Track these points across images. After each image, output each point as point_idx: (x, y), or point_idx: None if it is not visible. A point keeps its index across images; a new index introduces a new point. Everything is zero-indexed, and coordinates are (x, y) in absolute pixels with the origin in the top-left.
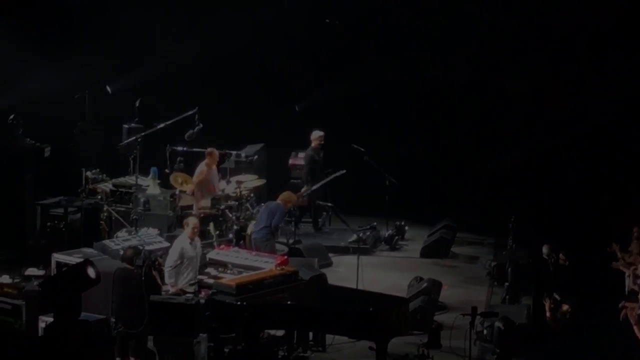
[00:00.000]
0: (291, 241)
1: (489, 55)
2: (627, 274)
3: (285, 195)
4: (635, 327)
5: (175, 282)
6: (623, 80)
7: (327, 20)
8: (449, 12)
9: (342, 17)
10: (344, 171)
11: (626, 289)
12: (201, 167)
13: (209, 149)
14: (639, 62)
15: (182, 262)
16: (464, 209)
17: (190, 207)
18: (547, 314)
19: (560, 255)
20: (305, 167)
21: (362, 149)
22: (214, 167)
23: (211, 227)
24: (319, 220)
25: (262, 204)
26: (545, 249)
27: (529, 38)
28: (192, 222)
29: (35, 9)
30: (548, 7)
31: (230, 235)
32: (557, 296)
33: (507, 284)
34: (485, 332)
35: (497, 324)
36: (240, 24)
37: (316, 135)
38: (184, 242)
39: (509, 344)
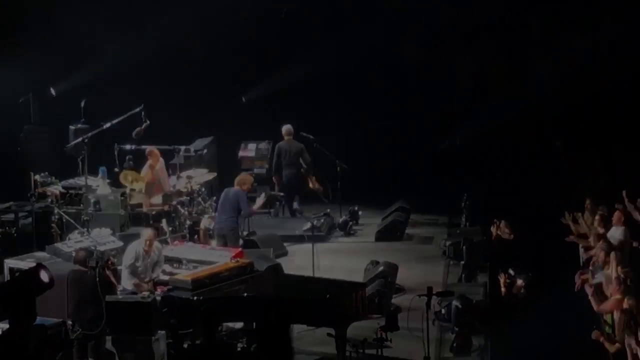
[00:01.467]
0: (245, 233)
1: (437, 36)
2: (580, 246)
3: (240, 178)
4: (591, 298)
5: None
6: (568, 58)
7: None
8: None
9: (286, 3)
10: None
11: (581, 261)
12: (145, 170)
13: (148, 149)
14: (585, 40)
15: (137, 265)
16: (416, 190)
17: (141, 205)
18: (502, 290)
19: (505, 228)
20: (305, 157)
21: (312, 137)
22: (160, 165)
23: (164, 223)
24: (273, 210)
25: (215, 197)
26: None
27: (475, 18)
28: (145, 234)
29: None
30: None
31: (185, 231)
32: (511, 271)
33: (462, 262)
34: (443, 311)
35: (455, 302)
36: (183, 19)
37: (291, 129)
38: (139, 247)
39: (467, 321)
